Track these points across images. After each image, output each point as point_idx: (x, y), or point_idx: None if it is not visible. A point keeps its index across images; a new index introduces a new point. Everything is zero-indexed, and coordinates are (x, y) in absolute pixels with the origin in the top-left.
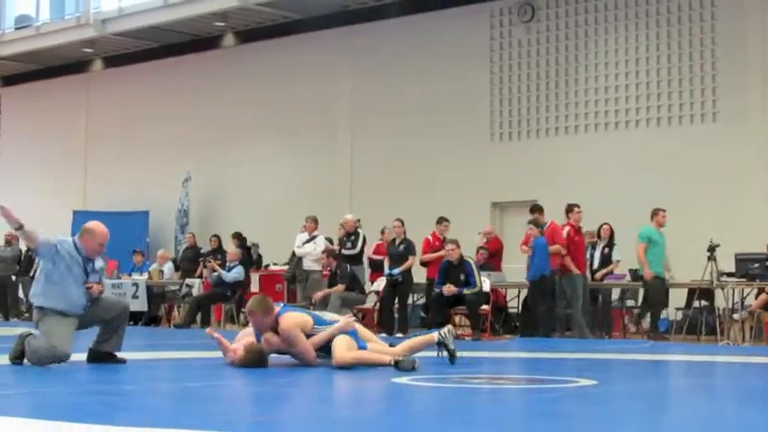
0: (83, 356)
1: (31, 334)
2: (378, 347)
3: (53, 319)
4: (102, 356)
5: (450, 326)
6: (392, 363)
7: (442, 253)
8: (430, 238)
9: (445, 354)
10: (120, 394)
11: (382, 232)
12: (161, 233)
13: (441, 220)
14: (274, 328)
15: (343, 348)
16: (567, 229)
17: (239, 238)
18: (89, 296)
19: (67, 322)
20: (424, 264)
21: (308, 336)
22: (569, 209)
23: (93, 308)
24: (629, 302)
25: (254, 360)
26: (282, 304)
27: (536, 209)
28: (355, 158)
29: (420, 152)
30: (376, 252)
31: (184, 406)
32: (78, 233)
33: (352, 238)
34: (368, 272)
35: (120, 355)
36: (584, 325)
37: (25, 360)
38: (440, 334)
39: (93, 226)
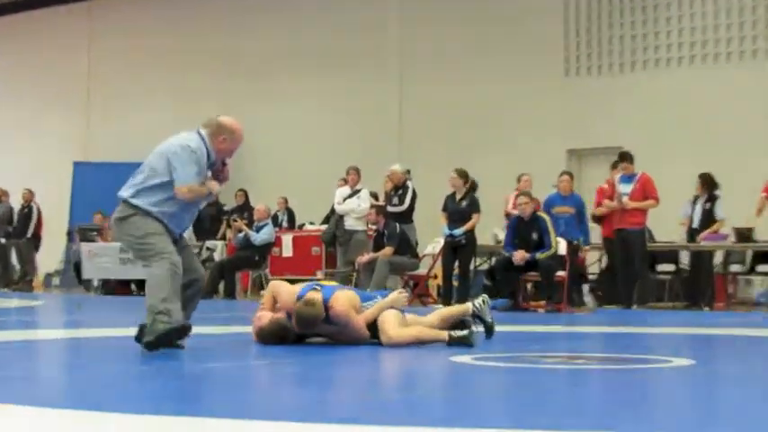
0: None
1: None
2: (414, 319)
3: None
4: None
5: (485, 296)
6: (447, 339)
7: (642, 204)
8: (605, 186)
9: (481, 328)
10: (133, 377)
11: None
12: None
13: (623, 157)
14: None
15: (395, 324)
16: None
17: (285, 204)
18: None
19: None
20: (598, 219)
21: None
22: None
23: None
24: (735, 267)
25: (275, 335)
26: (312, 285)
27: (625, 157)
28: (405, 101)
29: (480, 93)
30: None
31: (209, 391)
32: (208, 130)
33: (400, 192)
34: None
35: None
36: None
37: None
38: (474, 305)
39: (232, 124)
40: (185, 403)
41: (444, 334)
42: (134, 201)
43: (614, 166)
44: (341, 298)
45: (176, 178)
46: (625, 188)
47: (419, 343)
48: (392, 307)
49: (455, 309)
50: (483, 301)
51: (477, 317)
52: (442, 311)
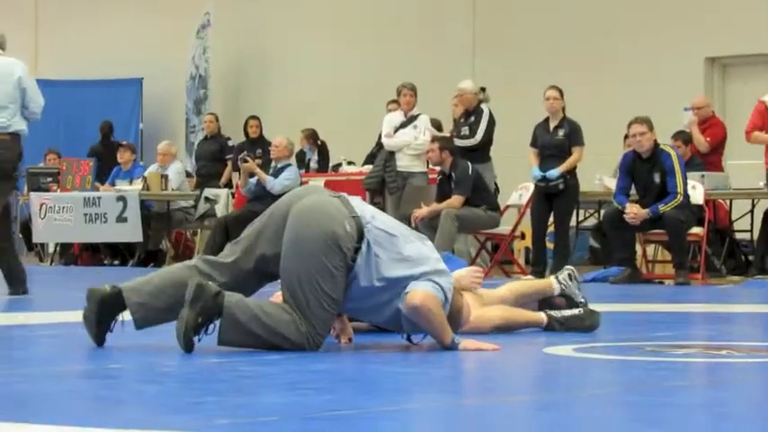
0: None
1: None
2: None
3: None
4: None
5: (571, 268)
6: (546, 322)
7: None
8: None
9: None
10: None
11: None
12: (162, 115)
13: None
14: None
15: (473, 303)
16: None
17: (314, 138)
18: None
19: None
20: None
21: None
22: None
23: None
24: None
25: None
26: None
27: None
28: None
29: None
30: None
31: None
32: None
33: (472, 119)
34: None
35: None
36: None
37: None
38: (558, 280)
39: None
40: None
41: (540, 315)
42: None
43: None
44: None
45: None
46: None
47: (506, 329)
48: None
49: (535, 284)
50: (569, 276)
51: (565, 296)
52: (516, 285)
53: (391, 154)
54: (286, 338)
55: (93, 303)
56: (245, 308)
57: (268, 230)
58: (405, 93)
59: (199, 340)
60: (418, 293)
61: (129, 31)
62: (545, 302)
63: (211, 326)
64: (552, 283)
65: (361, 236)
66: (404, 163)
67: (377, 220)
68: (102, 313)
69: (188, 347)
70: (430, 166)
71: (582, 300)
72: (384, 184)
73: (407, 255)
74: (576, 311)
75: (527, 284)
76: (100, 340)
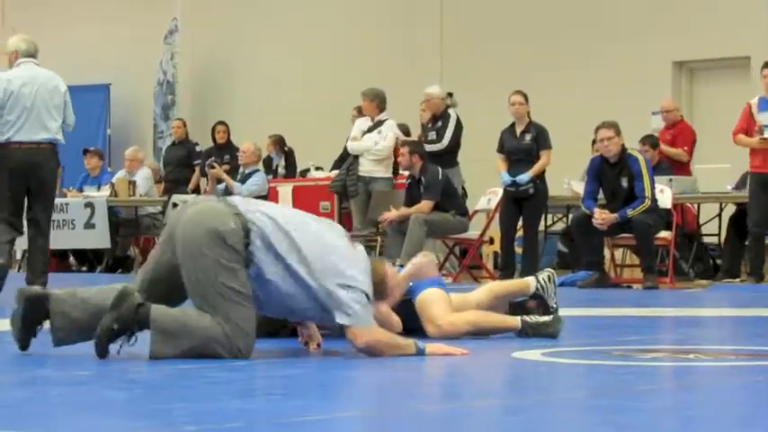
0: None
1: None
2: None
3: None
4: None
5: (550, 270)
6: (520, 327)
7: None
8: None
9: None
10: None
11: None
12: (130, 120)
13: None
14: None
15: (443, 307)
16: None
17: (281, 144)
18: None
19: None
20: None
21: None
22: None
23: None
24: None
25: (265, 325)
26: None
27: None
28: (447, 5)
29: None
30: None
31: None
32: None
33: (439, 124)
34: None
35: None
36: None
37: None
38: (538, 281)
39: None
40: None
41: (515, 320)
42: None
43: None
44: None
45: None
46: (765, 117)
47: (479, 333)
48: (415, 280)
49: (512, 284)
50: (548, 278)
51: (540, 297)
52: (493, 286)
53: (356, 158)
54: (218, 342)
55: (20, 304)
56: (172, 317)
57: (171, 242)
58: (368, 99)
59: (118, 352)
60: (356, 336)
61: (96, 36)
62: (517, 305)
63: (133, 338)
64: (530, 283)
65: (247, 231)
66: (366, 168)
67: (265, 213)
68: (28, 316)
69: (99, 352)
70: (400, 171)
71: (554, 306)
72: (349, 188)
73: (305, 253)
74: (547, 318)
75: (506, 285)
76: (24, 345)
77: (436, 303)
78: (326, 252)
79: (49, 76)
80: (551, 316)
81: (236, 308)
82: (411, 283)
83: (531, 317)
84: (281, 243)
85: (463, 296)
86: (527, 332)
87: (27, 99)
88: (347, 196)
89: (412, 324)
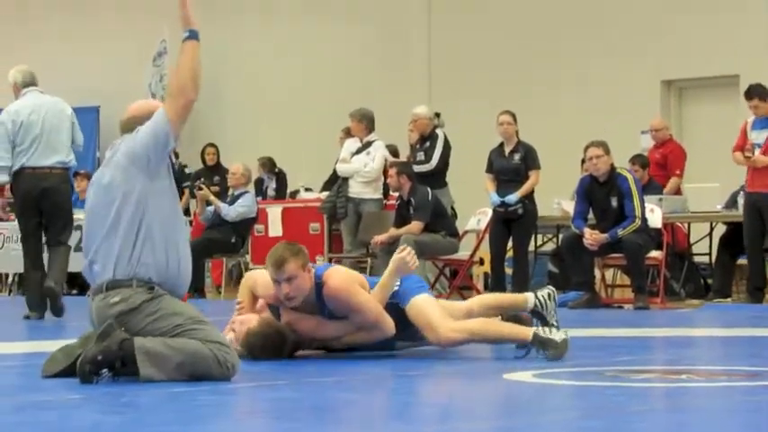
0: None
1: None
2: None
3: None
4: None
5: (551, 288)
6: (531, 339)
7: None
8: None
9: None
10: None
11: None
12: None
13: (752, 93)
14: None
15: (441, 314)
16: None
17: (271, 165)
18: None
19: None
20: None
21: None
22: None
23: None
24: None
25: (270, 344)
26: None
27: (756, 92)
28: (436, 24)
29: (542, 8)
30: None
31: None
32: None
33: (427, 145)
34: None
35: None
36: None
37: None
38: (537, 297)
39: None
40: None
41: (526, 332)
42: None
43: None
44: (337, 273)
45: None
46: (758, 136)
47: (482, 341)
48: (402, 275)
49: (504, 297)
50: (548, 295)
51: (539, 314)
52: (486, 298)
53: (345, 180)
54: (206, 356)
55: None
56: (157, 341)
57: None
58: (357, 120)
59: (97, 381)
60: None
61: (85, 59)
62: (512, 318)
63: (110, 372)
64: (527, 298)
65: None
66: (355, 189)
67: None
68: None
69: (82, 377)
70: (390, 192)
71: (555, 323)
72: (340, 209)
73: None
74: (557, 338)
75: (500, 298)
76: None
77: (431, 311)
78: None
79: (54, 101)
80: (562, 338)
81: (202, 331)
82: (398, 283)
83: (544, 329)
84: None
85: (451, 304)
86: (534, 344)
87: (36, 126)
88: (337, 218)
89: (403, 328)
